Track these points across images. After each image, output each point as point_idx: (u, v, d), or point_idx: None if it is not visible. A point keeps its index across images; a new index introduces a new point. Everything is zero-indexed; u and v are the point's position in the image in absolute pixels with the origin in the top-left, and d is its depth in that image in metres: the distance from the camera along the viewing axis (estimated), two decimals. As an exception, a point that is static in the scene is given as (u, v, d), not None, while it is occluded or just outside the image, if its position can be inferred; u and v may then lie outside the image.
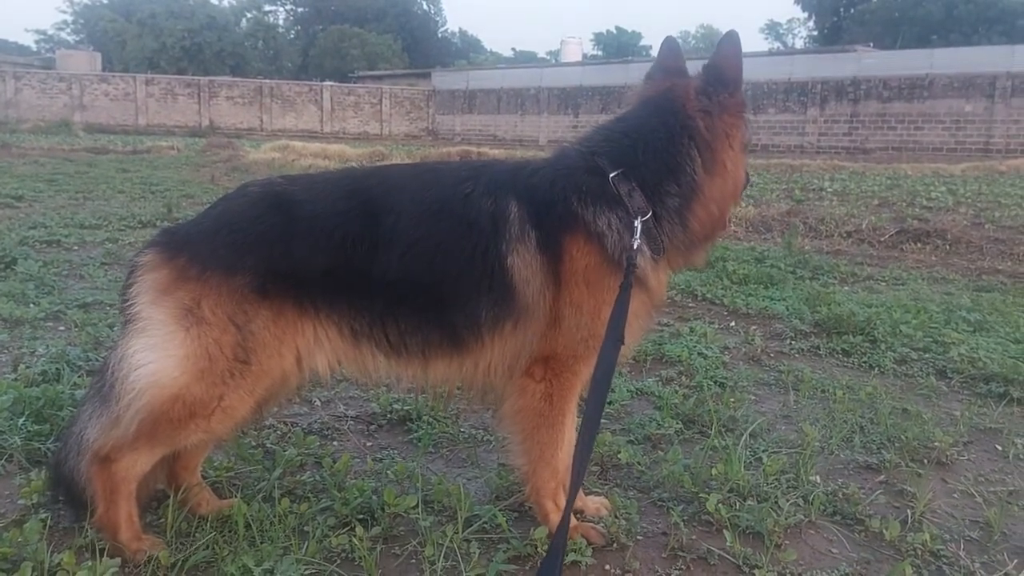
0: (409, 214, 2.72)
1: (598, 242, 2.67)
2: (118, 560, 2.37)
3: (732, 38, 2.78)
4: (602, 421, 4.01)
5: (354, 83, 55.22)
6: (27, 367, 4.27)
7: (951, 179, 18.59)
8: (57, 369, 4.25)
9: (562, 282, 2.67)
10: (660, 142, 2.75)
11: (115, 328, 5.09)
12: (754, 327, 6.00)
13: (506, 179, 2.79)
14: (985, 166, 22.13)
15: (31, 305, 5.65)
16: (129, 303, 2.60)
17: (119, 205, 11.42)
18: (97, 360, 4.46)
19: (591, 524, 3.00)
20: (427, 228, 2.71)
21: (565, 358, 2.75)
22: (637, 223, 2.65)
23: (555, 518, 2.84)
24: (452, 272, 2.68)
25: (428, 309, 2.72)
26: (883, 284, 7.88)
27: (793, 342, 5.64)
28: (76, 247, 8.15)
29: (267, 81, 50.48)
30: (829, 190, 15.19)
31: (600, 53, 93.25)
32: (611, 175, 2.70)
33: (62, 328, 5.28)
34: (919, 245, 10.05)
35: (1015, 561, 2.92)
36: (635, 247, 2.63)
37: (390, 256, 2.65)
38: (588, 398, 2.56)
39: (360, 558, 2.70)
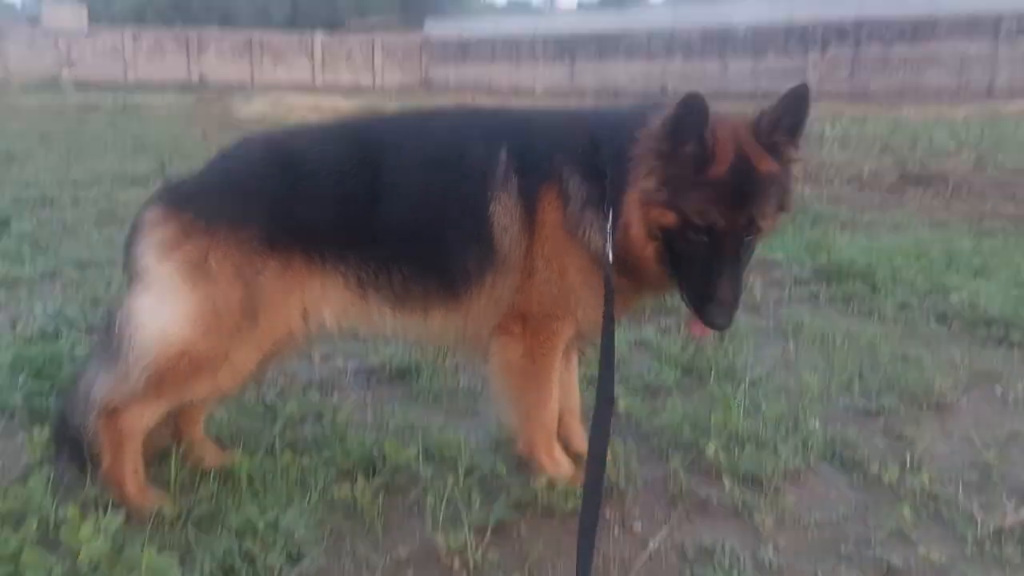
0: (408, 165, 2.71)
1: (563, 202, 2.63)
2: (123, 513, 2.38)
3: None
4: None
5: (345, 33, 54.30)
6: (25, 326, 4.26)
7: (954, 122, 18.40)
8: (55, 327, 4.24)
9: (534, 233, 2.66)
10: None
11: (112, 287, 5.08)
12: (753, 275, 5.98)
13: (502, 129, 2.78)
14: (989, 109, 21.91)
15: (27, 264, 5.62)
16: (135, 259, 2.59)
17: (111, 162, 11.32)
18: (95, 318, 4.45)
19: (592, 472, 3.01)
20: (425, 178, 2.71)
21: (540, 316, 2.74)
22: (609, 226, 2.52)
23: (552, 471, 2.86)
24: (447, 222, 2.68)
25: (427, 259, 2.71)
26: (884, 230, 7.84)
27: (793, 289, 5.63)
28: (70, 206, 8.09)
29: (257, 32, 49.54)
30: (830, 136, 15.04)
31: (596, 0, 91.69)
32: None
33: (59, 287, 5.26)
34: (921, 190, 9.98)
35: (1013, 501, 2.94)
36: (607, 247, 2.53)
37: (391, 207, 2.65)
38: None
39: (363, 508, 2.73)
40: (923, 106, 23.14)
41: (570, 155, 2.66)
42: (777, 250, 6.58)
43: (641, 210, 2.46)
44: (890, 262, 6.04)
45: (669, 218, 2.44)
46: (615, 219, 2.52)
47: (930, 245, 6.91)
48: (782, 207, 2.53)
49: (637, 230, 2.48)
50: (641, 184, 2.46)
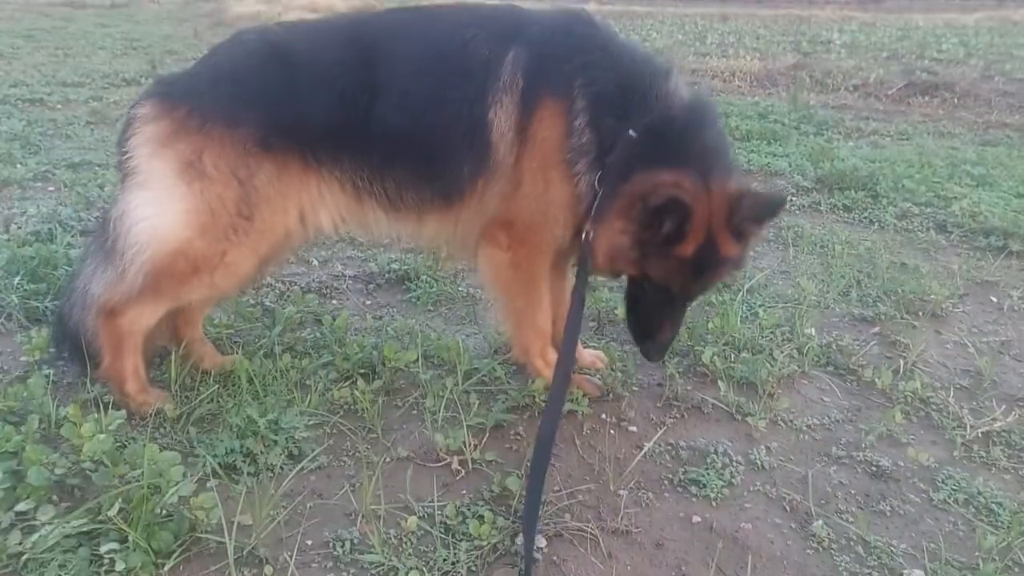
0: (406, 63, 2.62)
1: (567, 124, 2.53)
2: (123, 412, 2.40)
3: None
4: (599, 279, 4.03)
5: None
6: (19, 227, 4.22)
7: (963, 29, 17.96)
8: (49, 229, 4.20)
9: (526, 144, 2.58)
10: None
11: (105, 188, 5.02)
12: (756, 183, 5.92)
13: (513, 29, 2.63)
14: (1000, 15, 21.35)
15: (18, 165, 5.53)
16: (128, 156, 2.52)
17: (101, 62, 11.03)
18: (89, 220, 4.41)
19: (587, 376, 3.05)
20: (423, 77, 2.62)
21: (523, 226, 2.69)
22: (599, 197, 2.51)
23: (547, 373, 2.88)
24: (443, 124, 2.60)
25: (421, 163, 2.65)
26: (888, 139, 7.73)
27: (794, 198, 5.58)
28: (60, 106, 7.92)
29: (249, -72, 47.58)
30: (838, 42, 14.69)
31: None
32: (630, 131, 2.50)
33: (51, 188, 5.19)
34: (927, 99, 9.81)
35: (1003, 407, 2.99)
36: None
37: (387, 107, 2.56)
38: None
39: (362, 409, 2.76)
40: (933, 12, 22.49)
41: (589, 86, 2.52)
42: (780, 159, 6.50)
43: (609, 253, 2.56)
44: (892, 171, 5.99)
45: (631, 270, 2.61)
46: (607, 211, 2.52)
47: (934, 154, 6.83)
48: (732, 275, 2.76)
49: (602, 260, 2.59)
50: (615, 238, 2.51)
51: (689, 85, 2.73)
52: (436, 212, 2.74)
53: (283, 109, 2.54)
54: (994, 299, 4.04)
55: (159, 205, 2.51)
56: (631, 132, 2.48)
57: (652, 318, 2.68)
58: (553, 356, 2.98)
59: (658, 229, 2.41)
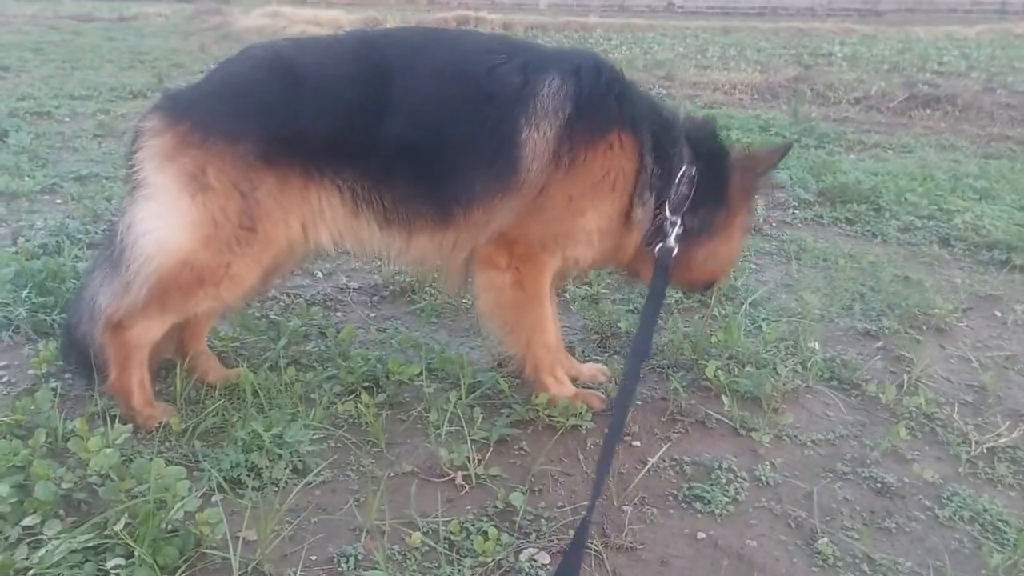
0: (424, 76, 2.65)
1: (639, 157, 2.72)
2: (130, 426, 2.42)
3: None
4: (603, 291, 4.03)
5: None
6: (27, 240, 4.25)
7: (965, 42, 17.98)
8: (57, 242, 4.23)
9: (573, 170, 2.63)
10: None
11: (112, 201, 5.05)
12: (757, 196, 5.92)
13: (552, 60, 2.73)
14: (1001, 28, 21.36)
15: (26, 178, 5.56)
16: (135, 169, 2.57)
17: (108, 75, 11.09)
18: (97, 233, 4.44)
19: (592, 391, 3.05)
20: (440, 92, 2.66)
21: (532, 245, 2.73)
22: (678, 225, 2.77)
23: (556, 390, 2.90)
24: (457, 139, 2.63)
25: (425, 176, 2.67)
26: (890, 152, 7.74)
27: (796, 211, 5.60)
28: (67, 118, 7.96)
29: (254, -59, 47.86)
30: (839, 55, 14.72)
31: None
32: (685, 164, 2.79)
33: (59, 201, 5.22)
34: (928, 111, 9.81)
35: (1007, 423, 2.99)
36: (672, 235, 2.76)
37: (398, 119, 2.59)
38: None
39: (367, 423, 2.77)
40: (934, 25, 22.56)
41: (653, 122, 2.77)
42: (782, 171, 6.50)
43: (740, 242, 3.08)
44: (895, 184, 5.99)
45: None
46: (709, 237, 2.86)
47: (936, 167, 6.83)
48: None
49: (736, 258, 3.13)
50: (744, 216, 3.00)
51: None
52: (428, 229, 2.75)
53: (285, 123, 2.56)
54: (998, 313, 4.04)
55: (164, 218, 2.55)
56: (690, 169, 2.77)
57: None
58: (562, 372, 3.00)
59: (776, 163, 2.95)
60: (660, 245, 2.76)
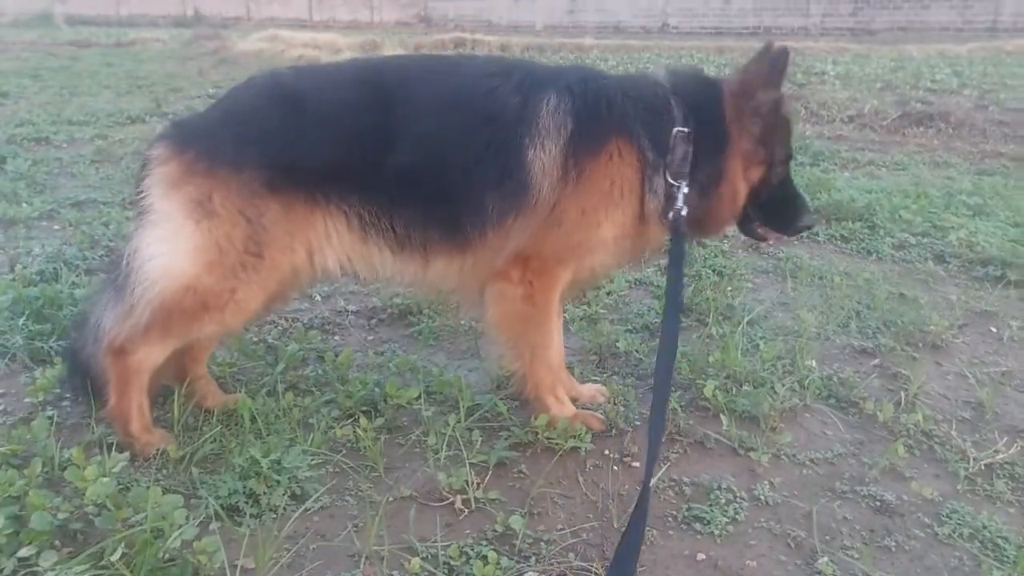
0: (425, 105, 2.69)
1: (638, 162, 2.72)
2: (127, 455, 2.41)
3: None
4: (601, 311, 4.04)
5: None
6: (24, 267, 4.25)
7: (957, 60, 18.12)
8: (54, 268, 4.23)
9: (581, 182, 2.66)
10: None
11: (111, 227, 5.06)
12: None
13: (547, 77, 2.77)
14: (992, 46, 21.54)
15: (24, 204, 5.58)
16: (142, 195, 2.62)
17: (106, 100, 11.14)
18: (94, 259, 4.44)
19: (591, 412, 3.05)
20: (443, 119, 2.69)
21: (547, 260, 2.75)
22: (683, 187, 2.72)
23: (557, 410, 2.90)
24: (463, 164, 2.66)
25: (434, 202, 2.70)
26: (884, 169, 7.78)
27: (792, 229, 5.60)
28: (65, 144, 7.99)
29: (251, -34, 48.24)
30: (832, 73, 14.82)
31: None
32: (676, 128, 2.73)
33: (57, 227, 5.23)
34: (922, 129, 9.87)
35: (1005, 439, 2.99)
36: (680, 209, 2.72)
37: (402, 146, 2.62)
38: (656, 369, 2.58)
39: (365, 448, 2.76)
40: (926, 43, 22.74)
41: (641, 112, 2.74)
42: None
43: (744, 173, 2.80)
44: (889, 201, 6.02)
45: (760, 171, 2.83)
46: (707, 185, 2.77)
47: (930, 184, 6.87)
48: None
49: (741, 194, 2.82)
50: (741, 147, 2.78)
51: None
52: (445, 253, 2.77)
53: (288, 150, 2.59)
54: (994, 329, 4.05)
55: (168, 244, 2.58)
56: (681, 129, 2.73)
57: (788, 195, 2.98)
58: (563, 392, 3.00)
59: (767, 103, 2.75)
60: (672, 213, 2.73)
